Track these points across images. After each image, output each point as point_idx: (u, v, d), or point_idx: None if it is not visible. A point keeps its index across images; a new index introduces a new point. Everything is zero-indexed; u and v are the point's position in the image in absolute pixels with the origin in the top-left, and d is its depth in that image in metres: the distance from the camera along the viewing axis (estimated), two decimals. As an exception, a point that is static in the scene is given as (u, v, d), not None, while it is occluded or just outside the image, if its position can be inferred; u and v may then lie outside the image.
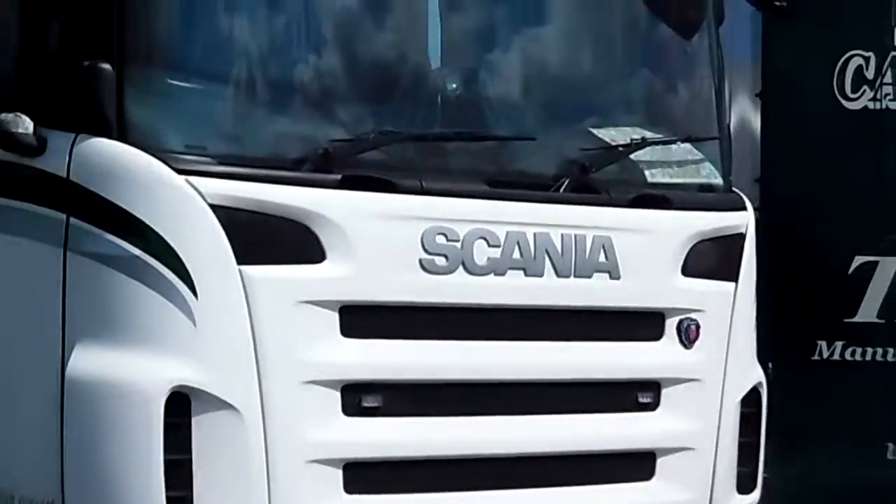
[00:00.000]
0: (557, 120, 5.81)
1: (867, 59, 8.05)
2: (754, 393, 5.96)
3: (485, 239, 4.97)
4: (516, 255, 5.08)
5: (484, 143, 5.40)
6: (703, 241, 5.63)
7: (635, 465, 5.48)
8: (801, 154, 7.85)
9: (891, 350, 8.18)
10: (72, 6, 4.74)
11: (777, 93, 7.97)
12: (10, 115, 4.51)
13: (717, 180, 6.00)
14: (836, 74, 8.05)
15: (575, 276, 5.18)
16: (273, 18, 5.23)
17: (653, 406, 5.49)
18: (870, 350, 8.19)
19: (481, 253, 4.96)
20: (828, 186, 7.38)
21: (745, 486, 5.93)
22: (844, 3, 7.55)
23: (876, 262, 8.09)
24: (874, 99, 8.06)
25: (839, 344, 8.24)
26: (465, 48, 5.75)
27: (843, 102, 7.95)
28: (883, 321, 8.16)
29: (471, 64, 5.66)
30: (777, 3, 6.41)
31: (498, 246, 5.01)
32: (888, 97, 8.16)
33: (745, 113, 7.78)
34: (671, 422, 5.56)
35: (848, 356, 8.21)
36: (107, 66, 4.51)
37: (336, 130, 5.05)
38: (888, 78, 8.21)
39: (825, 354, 8.25)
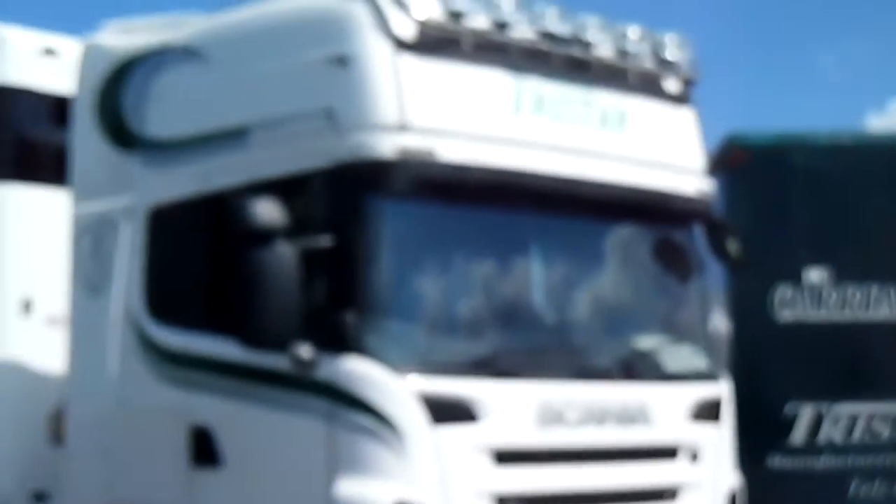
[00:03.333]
0: (610, 334, 7.26)
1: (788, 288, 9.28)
2: (733, 492, 7.20)
3: (572, 406, 6.34)
4: (591, 415, 6.40)
5: (568, 351, 6.89)
6: (700, 401, 6.96)
7: None
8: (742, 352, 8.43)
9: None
10: (332, 284, 6.09)
11: (738, 312, 8.61)
12: (297, 344, 5.86)
13: (705, 366, 7.39)
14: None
15: (626, 425, 6.53)
16: (441, 285, 6.66)
17: (674, 501, 6.79)
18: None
19: (571, 414, 6.34)
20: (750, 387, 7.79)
21: None
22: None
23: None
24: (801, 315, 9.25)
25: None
26: (555, 296, 7.16)
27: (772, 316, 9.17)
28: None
29: (559, 304, 7.16)
30: (732, 262, 7.66)
31: (580, 410, 6.37)
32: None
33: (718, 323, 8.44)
34: None
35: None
36: (351, 316, 5.94)
37: (485, 347, 6.49)
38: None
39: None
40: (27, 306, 8.61)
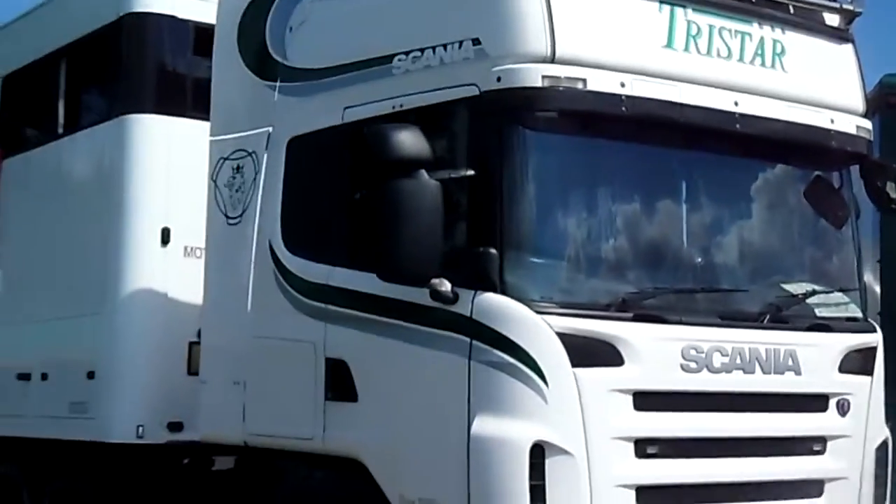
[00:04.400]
0: (759, 279, 7.12)
1: None
2: (884, 443, 7.07)
3: (719, 351, 6.24)
4: (738, 361, 6.31)
5: (715, 294, 6.79)
6: (851, 351, 6.82)
7: (812, 488, 6.65)
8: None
9: None
10: (474, 217, 6.10)
11: (889, 259, 8.54)
12: (438, 280, 5.86)
13: (858, 315, 7.21)
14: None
15: (774, 374, 6.43)
16: (585, 221, 6.58)
17: (822, 452, 6.68)
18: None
19: (717, 360, 6.24)
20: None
21: None
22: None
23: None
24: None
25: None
26: (703, 236, 7.00)
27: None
28: None
29: (706, 245, 7.00)
30: (892, 207, 7.36)
31: (727, 356, 6.27)
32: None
33: (868, 273, 8.33)
34: (833, 462, 6.72)
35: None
36: (493, 251, 5.88)
37: (629, 286, 6.39)
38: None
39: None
40: (166, 237, 8.64)
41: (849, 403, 6.81)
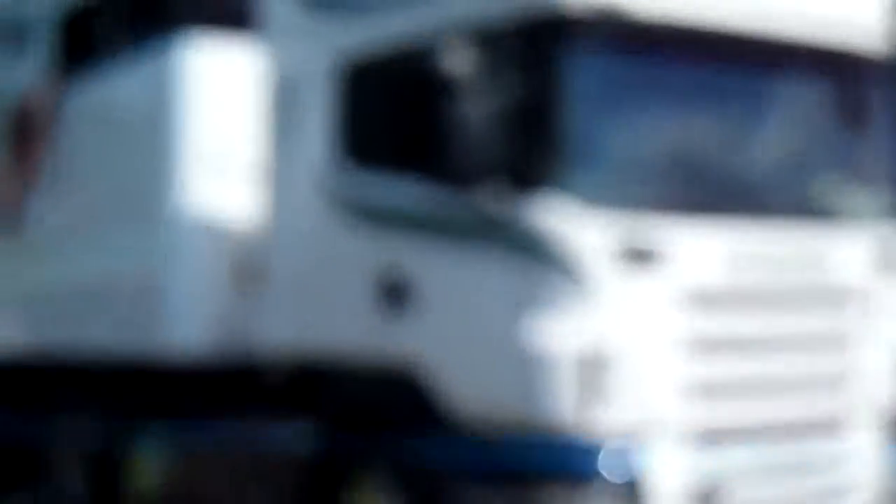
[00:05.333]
0: (796, 182, 7.21)
1: None
2: None
3: (763, 250, 6.54)
4: (780, 258, 6.62)
5: (757, 196, 6.98)
6: (884, 251, 7.04)
7: (843, 381, 6.92)
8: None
9: None
10: (527, 129, 6.17)
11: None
12: (494, 187, 6.05)
13: (880, 211, 7.34)
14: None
15: (812, 270, 6.73)
16: (633, 130, 6.60)
17: (854, 347, 6.91)
18: None
19: (761, 258, 6.51)
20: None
21: None
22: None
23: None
24: None
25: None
26: (744, 143, 7.06)
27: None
28: None
29: (748, 151, 7.08)
30: None
31: (770, 254, 6.58)
32: None
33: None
34: (863, 356, 6.98)
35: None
36: (548, 159, 6.08)
37: (676, 190, 6.57)
38: None
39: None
40: (224, 162, 8.67)
41: (874, 298, 7.00)
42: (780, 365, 6.59)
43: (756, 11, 6.65)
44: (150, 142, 9.12)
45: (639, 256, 6.05)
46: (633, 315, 6.07)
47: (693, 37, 6.43)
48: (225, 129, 8.73)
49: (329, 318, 7.36)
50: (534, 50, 6.17)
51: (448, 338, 6.50)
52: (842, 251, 6.85)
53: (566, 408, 5.92)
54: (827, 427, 6.82)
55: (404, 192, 6.80)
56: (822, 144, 7.32)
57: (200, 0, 8.93)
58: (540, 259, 6.05)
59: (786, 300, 6.60)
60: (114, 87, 9.80)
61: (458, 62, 6.13)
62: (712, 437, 6.29)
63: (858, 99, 7.28)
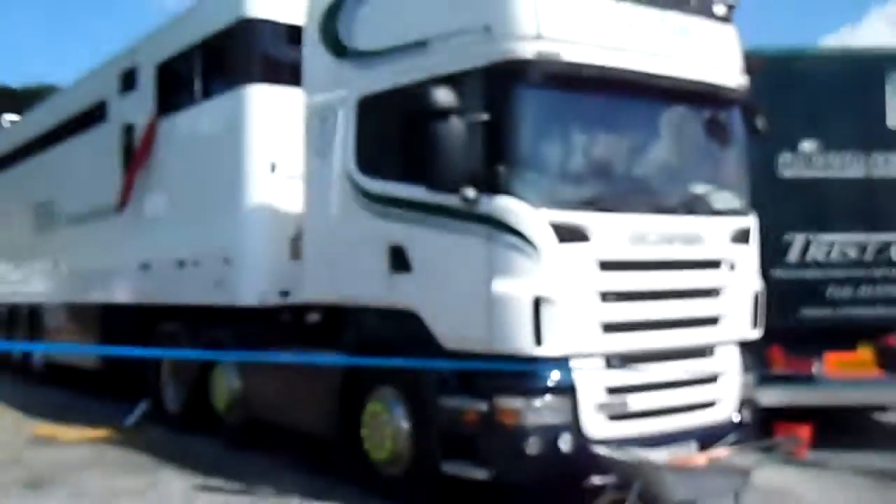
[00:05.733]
0: (677, 183, 6.97)
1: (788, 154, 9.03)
2: (756, 292, 7.02)
3: (652, 231, 6.37)
4: (664, 237, 6.42)
5: (649, 194, 6.72)
6: (737, 230, 6.87)
7: (712, 322, 6.72)
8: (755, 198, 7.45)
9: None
10: (489, 146, 6.01)
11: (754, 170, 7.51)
12: (469, 190, 5.92)
13: (740, 206, 7.10)
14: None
15: (687, 245, 6.52)
16: (564, 146, 6.48)
17: (718, 296, 6.72)
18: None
19: (651, 237, 6.35)
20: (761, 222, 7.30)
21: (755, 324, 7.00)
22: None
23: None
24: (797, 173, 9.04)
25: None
26: (641, 156, 6.96)
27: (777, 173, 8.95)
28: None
29: (644, 161, 6.97)
30: (757, 133, 7.30)
31: (657, 234, 6.38)
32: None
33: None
34: (726, 303, 6.77)
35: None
36: (504, 168, 5.93)
37: (593, 190, 6.39)
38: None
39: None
40: (273, 168, 8.65)
41: (735, 264, 6.88)
42: (671, 309, 6.49)
43: (648, 57, 6.49)
44: (228, 154, 9.01)
45: (568, 235, 5.97)
46: (564, 275, 5.97)
47: (605, 76, 6.24)
48: (278, 145, 8.70)
49: (351, 276, 7.20)
50: (492, 88, 6.06)
51: (437, 289, 6.39)
52: (712, 232, 6.73)
53: (520, 338, 5.87)
54: (704, 352, 6.79)
55: (403, 190, 6.67)
56: (697, 156, 7.17)
57: (260, 58, 8.94)
58: (501, 237, 5.97)
59: (674, 266, 6.49)
60: (203, 116, 9.77)
61: (439, 98, 5.99)
62: (620, 360, 6.28)
63: (722, 122, 7.12)
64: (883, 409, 10.17)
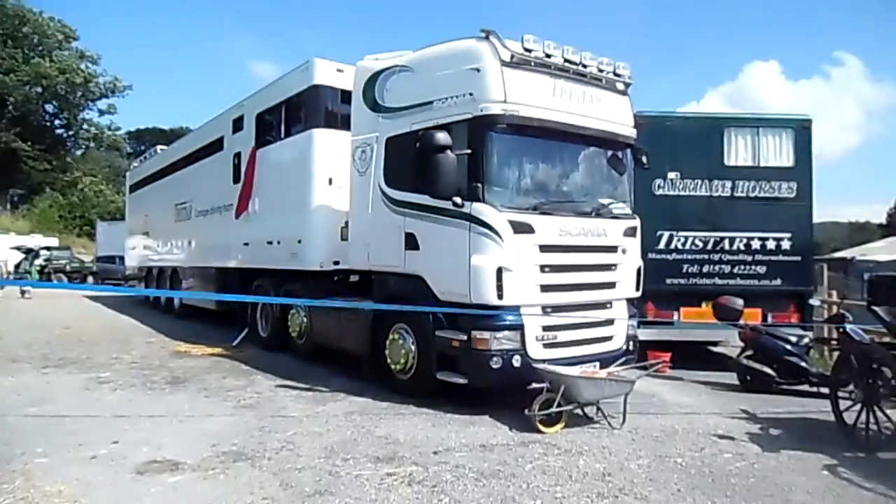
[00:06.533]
0: (592, 197, 6.61)
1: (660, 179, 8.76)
2: (639, 268, 6.79)
3: (575, 226, 6.16)
4: (582, 230, 6.23)
5: (574, 203, 6.38)
6: (628, 227, 6.69)
7: (611, 286, 6.52)
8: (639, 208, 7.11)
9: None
10: (471, 170, 5.82)
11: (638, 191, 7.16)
12: (457, 198, 5.78)
13: (629, 211, 6.84)
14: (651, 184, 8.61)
15: (597, 236, 6.32)
16: (521, 173, 6.19)
17: (615, 270, 6.56)
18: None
19: (573, 230, 6.14)
20: (643, 223, 7.00)
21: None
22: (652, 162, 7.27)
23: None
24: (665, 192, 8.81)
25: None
26: (571, 179, 6.59)
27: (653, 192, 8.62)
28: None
29: (573, 183, 6.59)
30: (643, 167, 7.07)
31: (578, 228, 6.19)
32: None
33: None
34: (620, 274, 6.60)
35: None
36: (480, 185, 5.79)
37: (538, 200, 6.11)
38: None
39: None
40: (330, 181, 8.38)
41: (626, 249, 6.69)
42: (585, 277, 6.33)
43: (574, 115, 6.32)
44: (301, 173, 8.69)
45: (520, 228, 5.83)
46: (517, 254, 5.82)
47: (546, 126, 6.07)
48: (333, 167, 8.37)
49: (380, 252, 6.97)
50: (473, 133, 5.89)
51: (436, 262, 6.19)
52: (612, 229, 6.53)
53: (488, 294, 5.74)
54: (605, 305, 6.59)
55: (414, 197, 6.46)
56: (603, 180, 6.84)
57: (323, 111, 8.60)
58: (477, 229, 5.82)
59: (587, 249, 6.31)
60: (285, 149, 9.38)
61: (439, 139, 5.85)
62: (551, 309, 6.09)
63: (620, 158, 6.87)
64: (715, 343, 10.03)
